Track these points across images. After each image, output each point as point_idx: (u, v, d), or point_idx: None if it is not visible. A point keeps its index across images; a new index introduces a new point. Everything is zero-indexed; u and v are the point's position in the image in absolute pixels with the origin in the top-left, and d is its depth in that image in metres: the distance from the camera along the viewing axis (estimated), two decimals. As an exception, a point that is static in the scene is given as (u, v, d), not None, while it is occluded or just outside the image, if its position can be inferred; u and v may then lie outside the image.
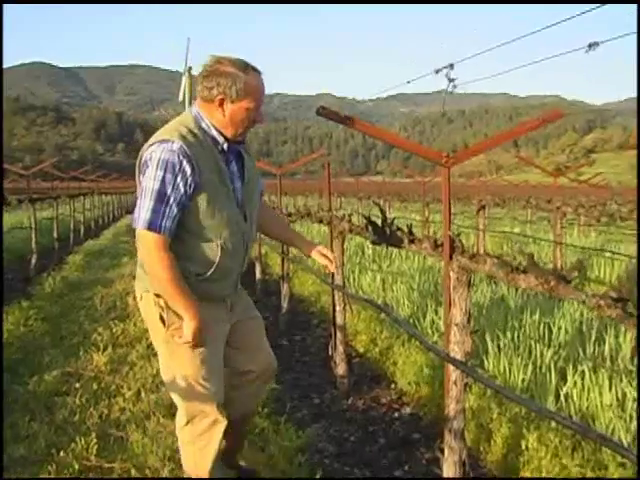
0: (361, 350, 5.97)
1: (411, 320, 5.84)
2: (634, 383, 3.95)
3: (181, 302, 2.58)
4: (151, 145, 2.58)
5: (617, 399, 3.84)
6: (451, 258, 2.86)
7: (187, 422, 2.80)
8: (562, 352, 4.60)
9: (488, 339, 4.73)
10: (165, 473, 3.30)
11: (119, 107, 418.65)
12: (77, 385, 4.77)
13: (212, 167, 2.60)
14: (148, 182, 2.51)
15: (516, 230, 15.15)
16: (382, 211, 3.62)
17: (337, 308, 4.92)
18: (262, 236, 9.68)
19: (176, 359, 2.73)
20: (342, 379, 5.02)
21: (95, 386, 4.71)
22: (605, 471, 3.23)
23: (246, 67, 2.55)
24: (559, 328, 5.03)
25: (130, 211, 32.71)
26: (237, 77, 2.52)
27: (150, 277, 2.63)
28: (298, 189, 30.05)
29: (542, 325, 5.05)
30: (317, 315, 7.33)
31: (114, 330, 6.21)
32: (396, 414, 4.65)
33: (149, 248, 2.52)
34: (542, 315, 5.41)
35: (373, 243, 3.78)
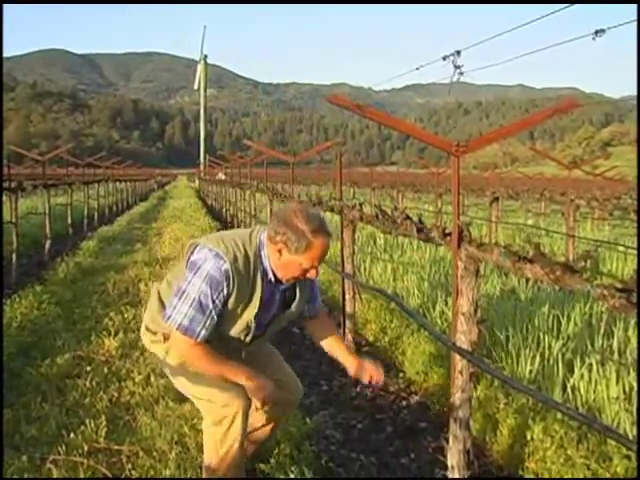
0: (371, 339, 5.99)
1: (421, 310, 5.85)
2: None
3: (229, 374, 2.75)
4: (205, 249, 2.73)
5: (624, 392, 3.84)
6: (459, 247, 2.87)
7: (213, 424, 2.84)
8: (570, 344, 4.59)
9: (497, 330, 4.73)
10: (172, 456, 3.33)
11: (135, 94, 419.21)
12: (88, 368, 4.81)
13: (245, 297, 2.74)
14: (190, 289, 2.67)
15: (529, 222, 15.10)
16: (393, 199, 3.63)
17: (347, 297, 4.95)
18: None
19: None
20: (351, 367, 5.04)
21: (106, 370, 4.76)
22: (609, 462, 3.23)
23: (316, 230, 2.63)
24: (568, 320, 5.02)
25: (143, 199, 32.86)
26: (303, 236, 2.61)
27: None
28: (312, 178, 30.00)
29: (551, 317, 5.05)
30: (328, 303, 7.33)
31: (126, 315, 6.25)
32: (404, 403, 4.67)
33: (184, 350, 2.75)
34: (552, 307, 5.40)
35: (383, 232, 3.79)
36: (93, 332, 5.73)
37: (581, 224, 15.70)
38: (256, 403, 2.73)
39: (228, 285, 2.66)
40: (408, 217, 3.42)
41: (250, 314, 2.78)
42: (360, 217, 4.44)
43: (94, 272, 9.25)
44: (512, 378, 3.09)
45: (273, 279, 2.80)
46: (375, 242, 10.37)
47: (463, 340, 2.92)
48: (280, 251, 2.68)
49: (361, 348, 5.64)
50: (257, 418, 3.14)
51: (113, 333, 5.59)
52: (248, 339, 2.87)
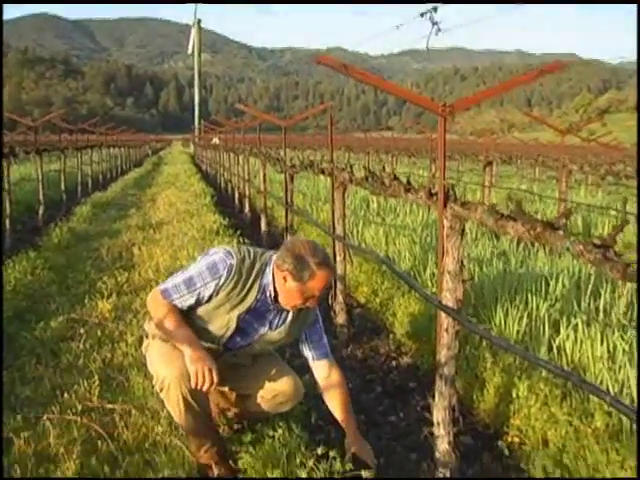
0: (362, 301, 6.05)
1: (412, 273, 5.90)
2: (625, 336, 4.00)
3: (179, 337, 2.87)
4: (221, 247, 3.01)
5: (608, 351, 3.90)
6: (445, 207, 2.90)
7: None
8: (557, 305, 4.65)
9: (485, 292, 4.79)
10: (164, 414, 3.38)
11: (129, 60, 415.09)
12: (82, 331, 4.86)
13: (236, 297, 2.92)
14: (192, 267, 2.94)
15: (523, 187, 15.12)
16: (386, 163, 3.64)
17: (337, 258, 4.99)
18: (268, 188, 9.76)
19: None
20: (342, 328, 5.12)
21: (99, 332, 4.80)
22: (591, 419, 3.30)
23: (320, 263, 2.83)
24: (556, 282, 5.07)
25: (137, 165, 32.74)
26: (307, 267, 2.81)
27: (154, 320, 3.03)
28: (307, 144, 29.92)
29: (540, 279, 5.10)
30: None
31: (119, 279, 6.29)
32: (394, 363, 4.74)
33: (155, 301, 2.98)
34: (540, 269, 5.45)
35: (372, 193, 3.82)
36: (87, 296, 5.76)
37: (575, 190, 15.72)
38: (192, 379, 2.76)
39: (226, 278, 2.86)
40: (396, 178, 3.44)
41: (234, 314, 2.94)
42: (350, 179, 4.46)
43: (88, 238, 9.29)
44: (491, 334, 3.15)
45: (272, 299, 2.96)
46: (368, 206, 10.39)
47: (449, 298, 2.96)
48: (285, 278, 2.85)
49: (353, 310, 5.69)
50: (251, 404, 3.23)
51: (106, 296, 5.64)
52: (225, 339, 3.01)
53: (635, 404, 3.35)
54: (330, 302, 5.25)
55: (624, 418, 3.26)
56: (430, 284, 5.54)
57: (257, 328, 3.05)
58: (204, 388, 2.76)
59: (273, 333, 3.07)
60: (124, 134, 32.24)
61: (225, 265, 2.87)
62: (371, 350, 4.99)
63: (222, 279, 2.86)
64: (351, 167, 4.72)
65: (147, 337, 3.20)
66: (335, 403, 3.24)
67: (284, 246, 2.96)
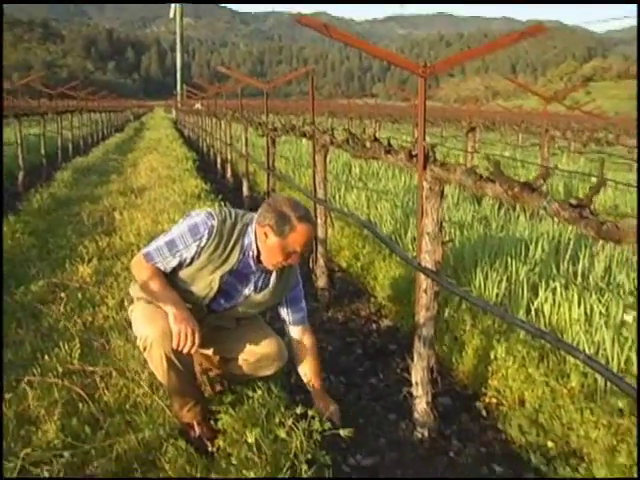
0: (344, 265, 6.07)
1: (393, 237, 5.91)
2: (602, 299, 4.05)
3: (161, 297, 2.87)
4: (203, 209, 3.01)
5: (585, 314, 3.95)
6: (425, 168, 2.90)
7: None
8: (536, 269, 4.69)
9: (466, 255, 4.81)
10: (145, 375, 3.39)
11: (109, 24, 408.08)
12: (62, 295, 4.83)
13: (218, 258, 2.92)
14: (175, 229, 2.95)
15: (506, 154, 15.14)
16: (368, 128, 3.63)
17: (319, 222, 4.99)
18: (250, 152, 9.70)
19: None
20: (323, 292, 5.14)
21: (80, 296, 4.78)
22: (567, 379, 3.36)
23: (301, 217, 2.85)
24: (536, 246, 5.11)
25: (119, 130, 32.37)
26: (289, 221, 2.82)
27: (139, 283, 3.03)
28: (290, 109, 29.70)
29: (520, 243, 5.13)
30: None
31: (100, 243, 6.25)
32: (374, 326, 4.78)
33: (138, 264, 2.98)
34: (521, 234, 5.49)
35: (353, 156, 3.81)
36: (67, 260, 5.72)
37: (557, 157, 15.77)
38: (174, 339, 2.77)
39: (207, 239, 2.87)
40: (377, 140, 3.43)
41: (216, 275, 2.94)
42: (331, 141, 4.45)
43: (69, 202, 9.20)
44: (469, 294, 3.18)
45: (255, 258, 2.97)
46: (350, 171, 10.37)
47: (427, 260, 2.98)
48: (266, 234, 2.86)
49: (334, 274, 5.71)
50: (235, 366, 3.23)
51: (87, 260, 5.60)
52: (208, 300, 3.00)
53: (611, 366, 3.41)
54: (311, 266, 5.26)
55: (599, 378, 3.32)
56: (411, 248, 5.56)
57: (241, 290, 3.06)
58: (185, 350, 2.76)
59: (257, 295, 3.08)
60: (105, 99, 31.81)
61: (206, 226, 2.87)
62: (352, 313, 5.02)
63: (203, 240, 2.87)
64: (332, 130, 4.70)
65: (132, 301, 3.21)
66: (306, 367, 3.29)
67: (265, 203, 2.97)
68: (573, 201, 2.02)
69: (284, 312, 3.28)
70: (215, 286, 2.96)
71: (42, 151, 13.19)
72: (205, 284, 2.97)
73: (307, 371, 3.29)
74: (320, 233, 5.03)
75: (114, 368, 3.55)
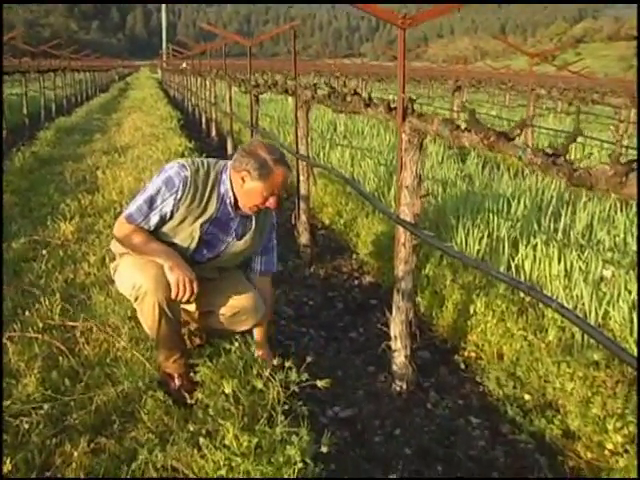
0: (327, 222, 6.06)
1: (376, 194, 5.90)
2: (583, 256, 4.07)
3: (152, 251, 2.87)
4: (174, 162, 2.98)
5: (565, 270, 3.97)
6: (404, 120, 2.88)
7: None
8: (518, 225, 4.70)
9: (448, 212, 4.81)
10: (125, 330, 3.40)
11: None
12: (44, 252, 4.79)
13: (197, 208, 2.92)
14: (150, 186, 2.92)
15: (492, 113, 15.08)
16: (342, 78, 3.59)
17: (301, 178, 4.97)
18: (235, 111, 9.61)
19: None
20: (305, 248, 5.14)
21: (61, 253, 4.75)
22: (545, 333, 3.39)
23: (278, 160, 2.87)
24: (518, 203, 5.11)
25: (103, 90, 31.96)
26: (265, 165, 2.84)
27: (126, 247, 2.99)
28: (277, 68, 29.35)
29: (502, 200, 5.13)
30: (286, 189, 7.35)
31: (82, 202, 6.20)
32: (356, 282, 4.80)
33: (121, 229, 2.93)
34: (504, 191, 5.48)
35: (334, 111, 3.78)
36: (49, 218, 5.68)
37: (544, 117, 15.72)
38: (172, 288, 2.78)
39: (183, 191, 2.86)
40: (356, 93, 3.40)
41: (196, 224, 2.94)
42: (312, 97, 4.40)
43: (51, 162, 9.10)
44: (444, 244, 3.18)
45: (232, 205, 2.97)
46: (335, 129, 10.31)
47: (406, 213, 2.98)
48: (243, 179, 2.87)
49: (317, 231, 5.71)
50: (213, 320, 3.22)
51: (69, 218, 5.56)
52: (191, 251, 2.98)
53: (590, 321, 3.44)
54: (293, 222, 5.25)
55: (576, 333, 3.36)
56: (393, 204, 5.54)
57: (223, 239, 3.06)
58: (184, 298, 2.79)
59: (239, 243, 3.09)
60: (89, 59, 31.29)
61: (180, 178, 2.86)
62: (334, 269, 5.03)
63: (179, 192, 2.86)
64: (315, 86, 4.65)
65: (115, 258, 3.18)
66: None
67: (240, 149, 2.96)
68: (549, 150, 2.01)
69: (256, 260, 3.29)
70: (196, 235, 2.95)
71: (24, 111, 13.01)
72: (186, 235, 2.95)
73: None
74: (302, 189, 5.01)
75: (95, 323, 3.55)
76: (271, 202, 2.93)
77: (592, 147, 9.90)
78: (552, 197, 5.41)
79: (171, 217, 2.92)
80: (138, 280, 2.83)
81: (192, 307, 3.23)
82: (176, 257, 2.84)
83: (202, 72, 13.06)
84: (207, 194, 2.93)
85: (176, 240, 2.96)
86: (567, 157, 1.97)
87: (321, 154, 8.03)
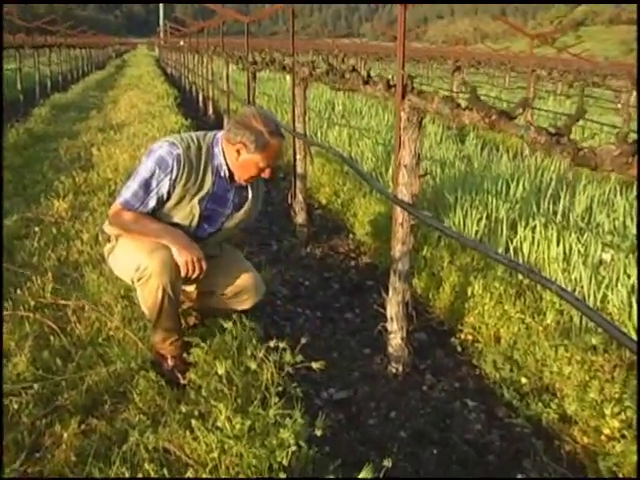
0: (324, 202, 6.01)
1: (374, 173, 5.83)
2: (582, 239, 4.02)
3: (158, 233, 2.81)
4: (162, 140, 2.92)
5: (564, 253, 3.93)
6: (403, 98, 2.82)
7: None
8: (517, 207, 4.65)
9: (446, 192, 4.76)
10: (118, 309, 3.36)
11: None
12: (37, 230, 4.74)
13: (194, 185, 2.86)
14: (142, 169, 2.84)
15: (492, 94, 14.96)
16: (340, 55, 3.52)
17: (298, 157, 4.91)
18: (232, 89, 9.51)
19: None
20: (301, 228, 5.09)
21: (54, 231, 4.69)
22: (543, 316, 3.35)
23: (273, 131, 2.82)
24: (517, 185, 5.05)
25: (100, 67, 31.71)
26: (261, 136, 2.78)
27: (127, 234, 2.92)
28: (275, 47, 29.11)
29: (501, 181, 5.07)
30: (283, 169, 7.30)
31: (77, 179, 6.13)
32: (352, 263, 4.75)
33: (120, 217, 2.86)
34: (503, 173, 5.42)
35: (332, 88, 3.72)
36: (43, 195, 5.62)
37: (544, 100, 15.61)
38: (182, 269, 2.73)
39: (178, 170, 2.80)
40: (355, 70, 3.33)
41: (195, 201, 2.88)
42: (310, 74, 4.33)
43: (46, 138, 9.02)
44: (443, 225, 3.14)
45: (227, 177, 2.93)
46: (333, 109, 10.21)
47: (404, 193, 2.92)
48: (239, 151, 2.83)
49: (313, 210, 5.66)
50: (213, 300, 3.18)
51: (63, 195, 5.50)
52: (193, 228, 2.92)
53: (588, 302, 3.40)
54: (290, 202, 5.19)
55: (575, 316, 3.32)
56: (391, 185, 5.48)
57: (222, 212, 3.01)
58: (194, 276, 2.76)
59: (238, 214, 3.05)
60: (85, 36, 30.93)
61: (172, 157, 2.79)
62: (330, 249, 4.98)
63: (174, 172, 2.79)
64: (313, 63, 4.57)
65: (110, 240, 3.10)
66: None
67: (233, 120, 2.91)
68: (552, 129, 1.96)
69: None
70: (196, 212, 2.90)
71: (19, 86, 12.86)
72: (186, 213, 2.90)
73: None
74: (299, 168, 4.95)
75: (87, 301, 3.50)
76: (266, 172, 2.90)
77: (592, 130, 9.82)
78: (551, 179, 5.35)
79: (168, 198, 2.86)
80: (144, 262, 2.75)
81: (191, 287, 3.18)
82: (182, 237, 2.80)
83: (199, 49, 12.91)
84: (202, 170, 2.88)
85: (176, 219, 2.90)
86: (570, 137, 1.91)
87: (318, 133, 7.95)
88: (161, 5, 61.48)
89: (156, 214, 2.88)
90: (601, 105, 15.36)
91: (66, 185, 5.89)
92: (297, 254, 4.85)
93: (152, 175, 2.80)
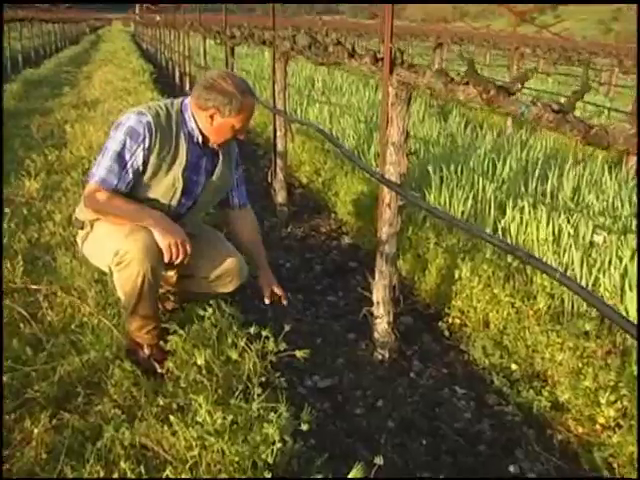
0: (304, 181, 5.86)
1: (356, 152, 5.67)
2: (572, 220, 3.92)
3: (139, 215, 2.63)
4: (128, 112, 2.74)
5: (553, 234, 3.82)
6: (391, 72, 2.68)
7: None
8: (504, 187, 4.54)
9: (431, 170, 4.62)
10: (92, 294, 3.20)
11: None
12: (7, 210, 4.55)
13: (169, 153, 2.70)
14: (111, 143, 2.65)
15: (473, 73, 14.78)
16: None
17: (278, 134, 4.76)
18: (210, 65, 9.29)
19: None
20: (282, 207, 4.95)
21: (25, 211, 4.50)
22: (534, 300, 3.25)
23: (245, 91, 2.69)
24: (504, 164, 4.93)
25: (74, 42, 31.09)
26: (234, 98, 2.65)
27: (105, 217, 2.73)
28: (253, 23, 28.70)
29: (487, 160, 4.95)
30: (263, 146, 7.14)
31: (49, 157, 5.91)
32: (334, 243, 4.63)
33: (97, 198, 2.64)
34: (489, 152, 5.29)
35: (315, 63, 3.57)
36: (13, 174, 5.40)
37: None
38: (165, 253, 2.58)
39: (150, 137, 2.64)
40: (340, 43, 3.18)
41: (176, 172, 2.73)
42: (292, 48, 4.16)
43: (17, 115, 8.73)
44: (433, 206, 3.02)
45: (201, 143, 2.80)
46: (313, 85, 9.99)
47: (392, 172, 2.80)
48: (212, 117, 2.70)
49: (294, 190, 5.51)
50: (194, 284, 3.04)
51: (34, 175, 5.29)
52: (175, 202, 2.76)
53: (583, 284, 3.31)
54: (270, 180, 5.03)
55: (566, 300, 3.23)
56: (374, 163, 5.35)
57: (197, 180, 2.86)
58: (177, 261, 2.59)
59: (212, 180, 2.91)
60: (58, 10, 30.14)
61: (143, 125, 2.63)
62: (312, 229, 4.85)
63: (147, 140, 2.63)
64: (294, 37, 4.40)
65: (84, 227, 2.89)
66: (250, 245, 3.14)
67: (201, 85, 2.73)
68: (554, 106, 1.83)
69: (231, 195, 3.12)
70: (179, 185, 2.74)
71: (-12, 61, 12.49)
72: (167, 186, 2.74)
73: (253, 248, 3.13)
74: (279, 146, 4.80)
75: (60, 286, 3.34)
76: (240, 134, 2.80)
77: (580, 111, 9.73)
78: (538, 159, 5.24)
79: (144, 171, 2.68)
80: (124, 245, 2.56)
81: (172, 272, 3.04)
82: (164, 219, 2.61)
83: (176, 25, 12.63)
84: (174, 137, 2.71)
85: (155, 194, 2.74)
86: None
87: (298, 110, 7.76)
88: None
89: (133, 192, 2.71)
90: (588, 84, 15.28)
91: (38, 164, 5.65)
92: (278, 235, 4.71)
93: (124, 147, 2.63)
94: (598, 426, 2.54)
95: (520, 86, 2.03)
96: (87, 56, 20.81)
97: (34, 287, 3.39)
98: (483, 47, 15.52)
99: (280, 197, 4.95)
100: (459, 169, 4.72)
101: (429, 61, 17.23)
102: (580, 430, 2.58)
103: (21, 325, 2.96)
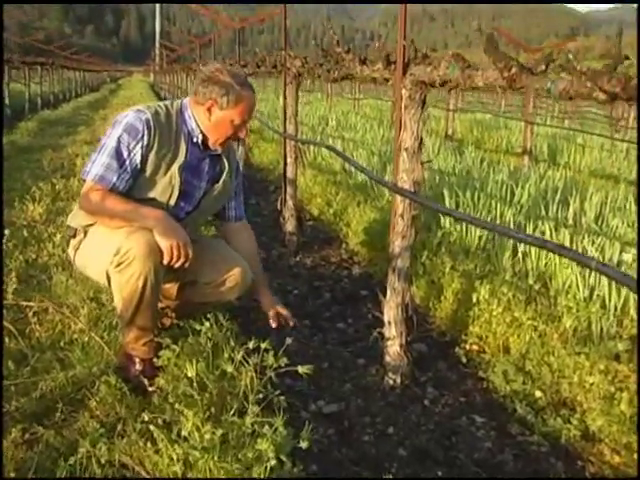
0: (315, 213, 5.68)
1: (368, 183, 5.51)
2: (596, 243, 3.70)
3: (138, 215, 2.48)
4: (127, 110, 2.65)
5: (578, 257, 3.59)
6: (404, 74, 2.51)
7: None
8: (523, 211, 4.34)
9: (447, 195, 4.43)
10: (85, 311, 3.02)
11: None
12: (7, 232, 4.40)
13: (167, 152, 2.60)
14: (109, 140, 2.54)
15: (487, 117, 14.77)
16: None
17: (288, 160, 4.59)
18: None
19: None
20: (291, 236, 4.75)
21: (26, 233, 4.37)
22: (559, 322, 3.02)
23: (243, 83, 2.61)
24: (522, 191, 4.73)
25: (94, 90, 31.57)
26: (231, 89, 2.57)
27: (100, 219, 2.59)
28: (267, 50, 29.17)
29: (505, 187, 4.76)
30: (274, 182, 7.01)
31: (57, 186, 5.83)
32: (345, 272, 4.42)
33: (94, 198, 2.51)
34: (507, 179, 5.11)
35: (327, 80, 3.42)
36: (17, 200, 5.28)
37: (541, 121, 15.45)
38: (165, 255, 2.39)
39: (149, 135, 2.53)
40: (350, 50, 3.04)
41: (174, 169, 2.60)
42: (302, 64, 4.03)
43: (30, 150, 8.71)
44: (454, 210, 2.81)
45: (201, 144, 2.71)
46: (327, 123, 9.94)
47: (405, 179, 2.60)
48: (210, 109, 2.61)
49: (305, 222, 5.33)
50: (194, 293, 2.87)
51: (38, 200, 5.17)
52: (172, 202, 2.62)
53: (608, 308, 3.07)
54: (279, 207, 4.85)
55: (594, 321, 2.99)
56: (387, 194, 5.18)
57: (198, 185, 2.74)
58: (178, 264, 2.43)
59: (216, 186, 2.80)
60: (80, 56, 30.61)
61: (141, 122, 2.51)
62: (322, 259, 4.64)
63: (145, 137, 2.51)
64: (305, 58, 4.28)
65: (77, 234, 2.71)
66: (248, 260, 2.91)
67: (198, 79, 2.66)
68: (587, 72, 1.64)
69: (228, 207, 3.00)
70: (176, 183, 2.60)
71: (7, 101, 12.56)
72: (164, 185, 2.60)
73: (250, 265, 2.90)
74: (289, 173, 4.63)
75: (52, 302, 3.16)
76: (241, 132, 2.69)
77: (594, 150, 9.58)
78: (557, 187, 5.04)
79: (142, 170, 2.55)
80: (125, 244, 2.39)
81: (172, 283, 2.84)
82: (166, 219, 2.46)
83: (191, 68, 12.73)
84: (174, 136, 2.60)
85: (153, 194, 2.59)
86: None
87: (311, 147, 7.66)
88: (157, 32, 61.84)
89: (129, 192, 2.56)
90: (595, 125, 15.23)
91: (44, 191, 5.56)
92: (286, 263, 4.51)
93: (121, 143, 2.50)
94: (637, 455, 2.28)
95: (544, 67, 1.84)
96: (105, 101, 21.07)
97: (25, 303, 3.21)
98: (497, 92, 15.52)
99: (289, 225, 4.76)
100: (476, 196, 4.54)
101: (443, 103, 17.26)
102: (617, 460, 2.32)
103: (6, 340, 2.77)
